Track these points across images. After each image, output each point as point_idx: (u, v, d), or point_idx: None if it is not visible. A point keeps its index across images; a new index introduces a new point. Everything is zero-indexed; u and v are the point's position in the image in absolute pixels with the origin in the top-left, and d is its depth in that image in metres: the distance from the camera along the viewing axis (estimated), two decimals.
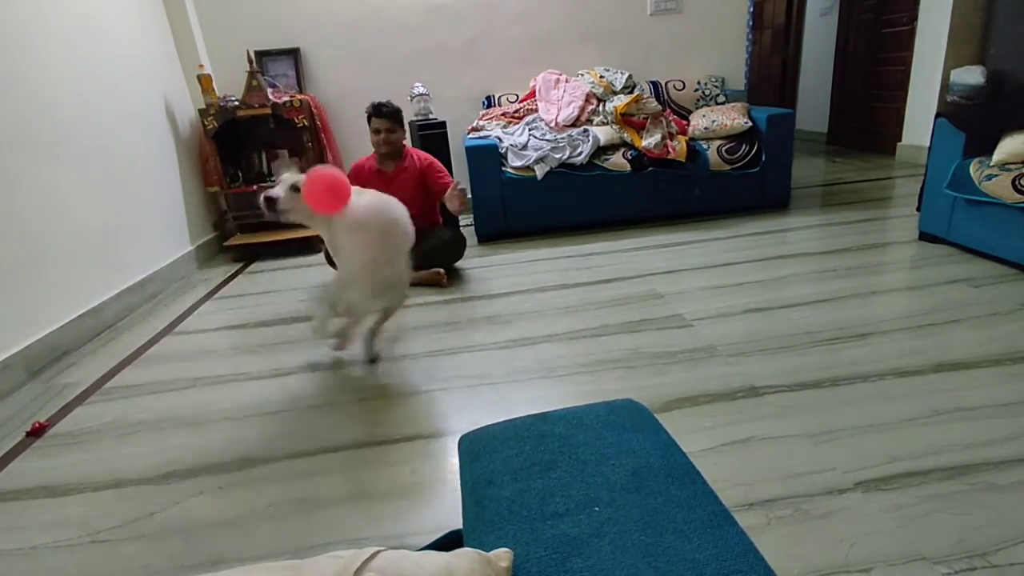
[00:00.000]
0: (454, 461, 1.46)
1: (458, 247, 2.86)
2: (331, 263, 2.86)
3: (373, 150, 2.82)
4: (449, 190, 2.57)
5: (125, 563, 1.25)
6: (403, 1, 3.74)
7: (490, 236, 3.42)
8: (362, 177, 2.79)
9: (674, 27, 3.96)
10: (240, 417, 1.78)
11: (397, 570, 0.54)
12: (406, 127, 2.95)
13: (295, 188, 1.79)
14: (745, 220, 3.35)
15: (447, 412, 1.73)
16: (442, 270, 2.74)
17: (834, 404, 1.57)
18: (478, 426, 0.96)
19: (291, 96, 3.50)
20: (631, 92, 3.58)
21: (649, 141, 3.31)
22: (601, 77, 3.70)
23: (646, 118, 3.41)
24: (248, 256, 3.57)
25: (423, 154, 2.87)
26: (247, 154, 3.74)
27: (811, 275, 2.47)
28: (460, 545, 0.73)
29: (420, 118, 3.50)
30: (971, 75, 3.64)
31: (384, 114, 2.70)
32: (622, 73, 3.73)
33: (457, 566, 0.57)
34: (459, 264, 2.95)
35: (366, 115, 2.77)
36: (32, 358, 2.19)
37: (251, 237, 3.54)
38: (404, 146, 2.84)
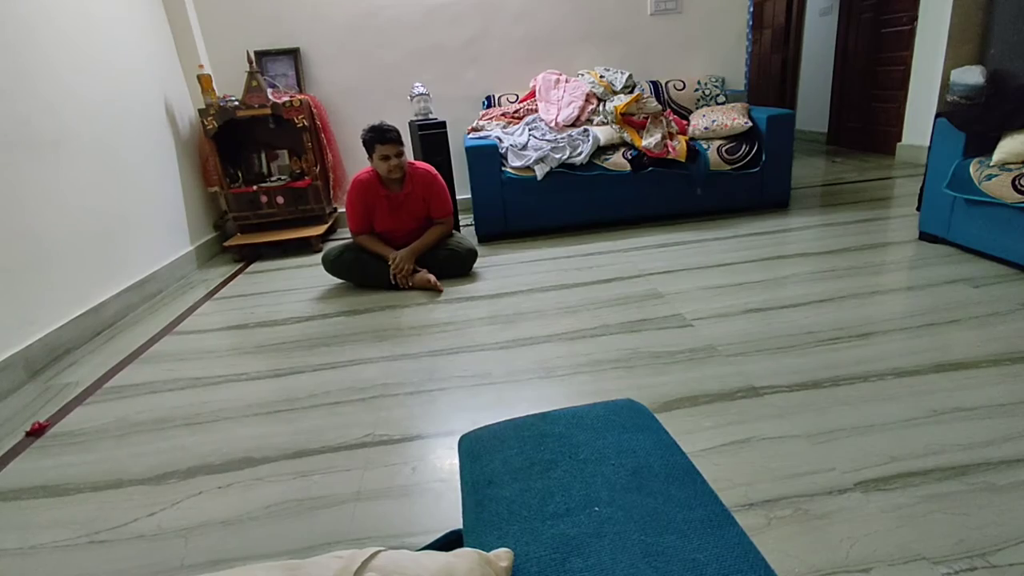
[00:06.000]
0: (454, 461, 1.46)
1: (470, 259, 2.86)
2: (328, 270, 2.84)
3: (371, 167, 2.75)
4: (423, 275, 2.69)
5: (125, 563, 1.25)
6: (403, 0, 3.74)
7: (490, 236, 3.42)
8: (370, 200, 2.75)
9: (674, 27, 3.96)
10: (240, 417, 1.78)
11: (398, 569, 0.54)
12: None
13: None
14: (745, 220, 3.35)
15: (447, 412, 1.72)
16: (433, 277, 2.70)
17: (834, 404, 1.57)
18: (478, 426, 0.96)
19: (291, 96, 3.50)
20: (631, 92, 3.58)
21: (649, 141, 3.31)
22: (601, 77, 3.70)
23: (646, 118, 3.41)
24: (248, 256, 3.57)
25: (420, 168, 2.80)
26: (247, 154, 3.74)
27: (811, 275, 2.47)
28: (460, 545, 0.74)
29: (420, 118, 3.49)
30: (971, 75, 3.63)
31: (391, 139, 2.62)
32: (622, 73, 3.73)
33: (457, 566, 0.57)
34: None
35: (364, 141, 2.67)
36: (32, 358, 2.19)
37: (251, 237, 3.54)
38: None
